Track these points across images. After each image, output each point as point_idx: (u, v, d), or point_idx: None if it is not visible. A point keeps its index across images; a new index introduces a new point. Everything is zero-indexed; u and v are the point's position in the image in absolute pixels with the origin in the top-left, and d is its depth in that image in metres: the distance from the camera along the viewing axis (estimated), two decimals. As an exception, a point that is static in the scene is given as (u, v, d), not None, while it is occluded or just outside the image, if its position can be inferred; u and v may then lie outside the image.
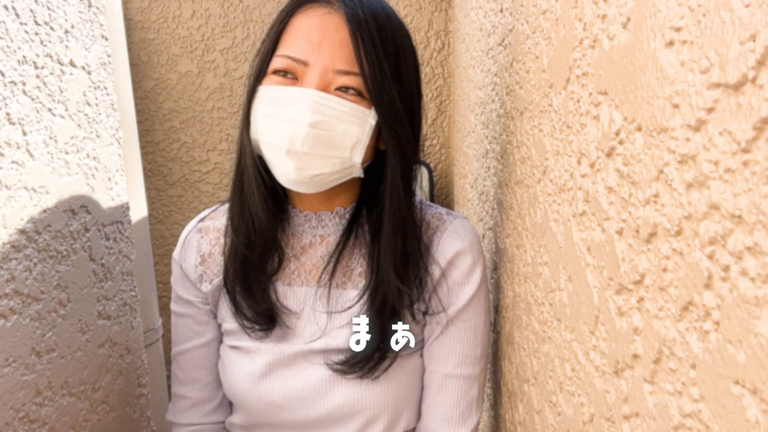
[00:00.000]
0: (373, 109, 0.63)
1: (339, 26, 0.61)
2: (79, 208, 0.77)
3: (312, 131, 0.60)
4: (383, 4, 0.66)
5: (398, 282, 0.67)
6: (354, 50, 0.61)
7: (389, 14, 0.65)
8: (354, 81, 0.61)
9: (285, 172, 0.64)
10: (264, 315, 0.71)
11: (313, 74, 0.61)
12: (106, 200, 0.85)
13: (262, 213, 0.69)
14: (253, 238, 0.70)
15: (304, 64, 0.61)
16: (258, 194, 0.68)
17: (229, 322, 0.75)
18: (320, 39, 0.61)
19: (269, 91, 0.63)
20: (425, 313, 0.72)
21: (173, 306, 0.80)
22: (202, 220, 0.79)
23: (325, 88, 0.61)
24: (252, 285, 0.72)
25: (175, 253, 0.79)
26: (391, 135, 0.64)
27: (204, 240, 0.77)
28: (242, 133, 0.67)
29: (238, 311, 0.72)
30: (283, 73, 0.63)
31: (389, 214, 0.67)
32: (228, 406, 0.82)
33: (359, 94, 0.62)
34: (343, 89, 0.62)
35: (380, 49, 0.61)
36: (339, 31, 0.61)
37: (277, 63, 0.63)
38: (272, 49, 0.64)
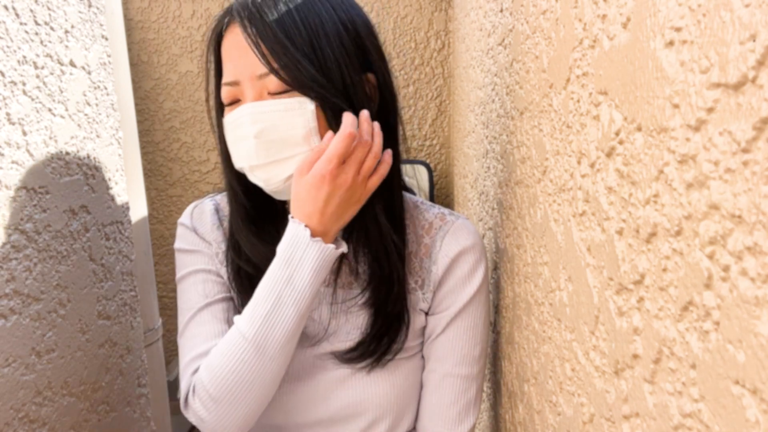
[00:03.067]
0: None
1: (241, 35, 0.61)
2: (79, 208, 0.77)
3: (258, 142, 0.61)
4: None
5: (396, 272, 0.68)
6: (256, 51, 0.60)
7: None
8: (272, 79, 0.60)
9: (262, 186, 0.65)
10: None
11: (246, 90, 0.62)
12: (106, 200, 0.85)
13: (247, 240, 0.69)
14: (254, 259, 0.70)
15: (236, 84, 0.62)
16: (244, 225, 0.69)
17: None
18: (236, 54, 0.62)
19: (226, 120, 0.64)
20: (427, 314, 0.72)
21: (187, 270, 0.72)
22: (212, 197, 0.78)
23: (259, 98, 0.62)
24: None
25: (185, 219, 0.75)
26: (332, 113, 0.62)
27: (224, 218, 0.75)
28: (224, 166, 0.69)
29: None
30: (230, 99, 0.64)
31: (376, 207, 0.67)
32: None
33: (285, 89, 0.61)
34: (271, 91, 0.61)
35: (278, 33, 0.59)
36: (242, 40, 0.61)
37: (222, 94, 0.64)
38: (218, 81, 0.66)
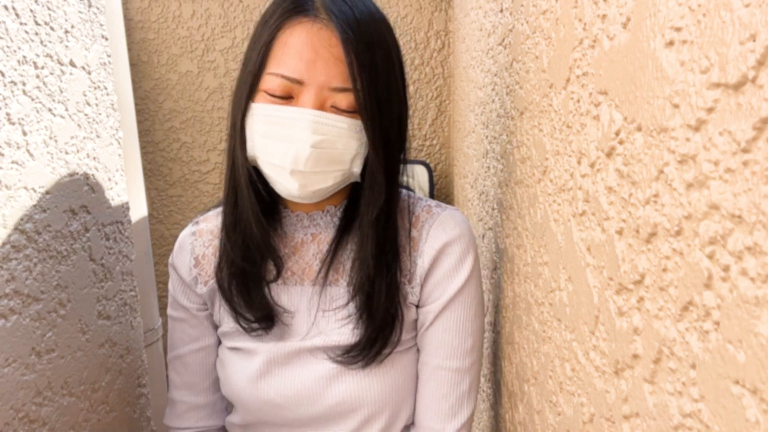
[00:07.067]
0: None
1: (331, 41, 0.61)
2: (79, 208, 0.77)
3: (315, 151, 0.61)
4: (370, 7, 0.65)
5: (374, 275, 0.68)
6: (348, 67, 0.60)
7: (377, 19, 0.65)
8: (349, 97, 0.62)
9: (288, 189, 0.65)
10: (261, 315, 0.72)
11: (308, 93, 0.61)
12: (106, 200, 0.85)
13: (256, 228, 0.70)
14: (249, 250, 0.71)
15: (299, 83, 0.61)
16: (252, 212, 0.69)
17: (227, 323, 0.75)
18: (313, 57, 0.60)
19: (265, 110, 0.62)
20: (417, 306, 0.72)
21: (169, 311, 0.80)
22: (196, 223, 0.80)
23: (321, 106, 0.62)
24: (248, 288, 0.72)
25: (171, 258, 0.80)
26: (378, 148, 0.65)
27: (198, 242, 0.78)
28: (235, 149, 0.67)
29: (236, 313, 0.72)
30: (281, 93, 0.62)
31: (366, 214, 0.68)
32: (224, 410, 0.83)
33: (355, 109, 0.63)
34: (338, 106, 0.62)
35: (373, 64, 0.62)
36: (332, 47, 0.60)
37: (270, 82, 0.62)
38: (261, 64, 0.63)
